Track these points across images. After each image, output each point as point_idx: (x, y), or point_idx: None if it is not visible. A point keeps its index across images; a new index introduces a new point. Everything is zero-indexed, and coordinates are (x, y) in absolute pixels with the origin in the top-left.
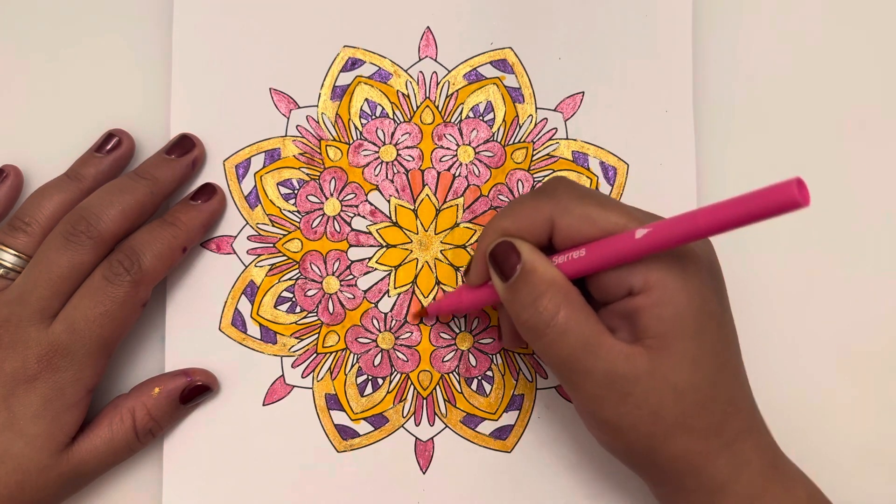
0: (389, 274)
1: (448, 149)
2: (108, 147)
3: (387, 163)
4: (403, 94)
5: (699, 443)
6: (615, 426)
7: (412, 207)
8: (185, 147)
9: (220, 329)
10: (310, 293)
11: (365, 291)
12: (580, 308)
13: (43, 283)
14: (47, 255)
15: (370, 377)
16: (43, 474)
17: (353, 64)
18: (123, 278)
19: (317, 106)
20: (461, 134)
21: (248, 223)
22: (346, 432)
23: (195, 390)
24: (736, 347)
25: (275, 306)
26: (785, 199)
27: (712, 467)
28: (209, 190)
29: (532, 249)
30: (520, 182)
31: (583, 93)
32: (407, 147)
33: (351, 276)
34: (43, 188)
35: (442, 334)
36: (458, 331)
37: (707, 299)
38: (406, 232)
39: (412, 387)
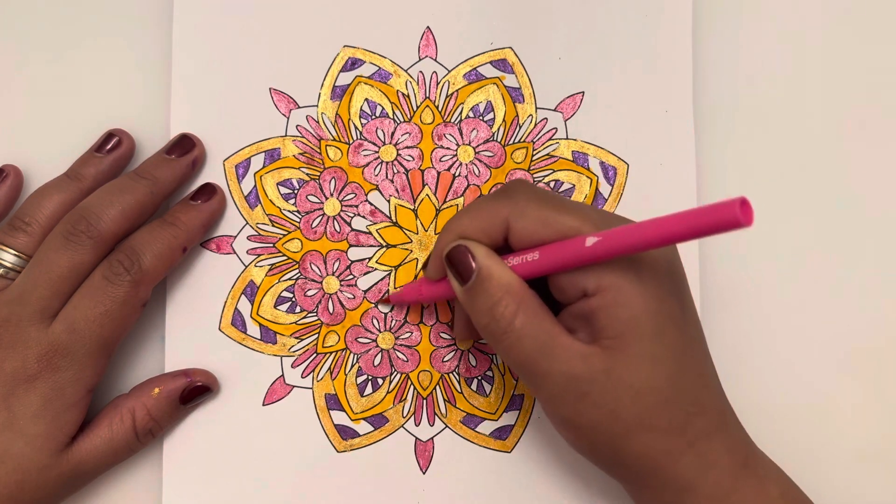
0: (389, 274)
1: (448, 149)
2: (108, 147)
3: (387, 163)
4: (403, 94)
5: (661, 442)
6: (576, 425)
7: (412, 207)
8: (185, 147)
9: (220, 329)
10: (310, 293)
11: (365, 291)
12: (536, 312)
13: (43, 283)
14: (47, 255)
15: (370, 377)
16: (43, 474)
17: (353, 64)
18: (123, 278)
19: (317, 106)
20: (461, 134)
21: (247, 223)
22: (346, 432)
23: (195, 391)
24: (701, 348)
25: (275, 306)
26: (728, 217)
27: (677, 466)
28: (209, 190)
29: (488, 254)
30: None
31: (583, 93)
32: (407, 147)
33: (351, 276)
34: (43, 188)
35: (442, 334)
36: None
37: (664, 301)
38: (406, 232)
39: (412, 387)
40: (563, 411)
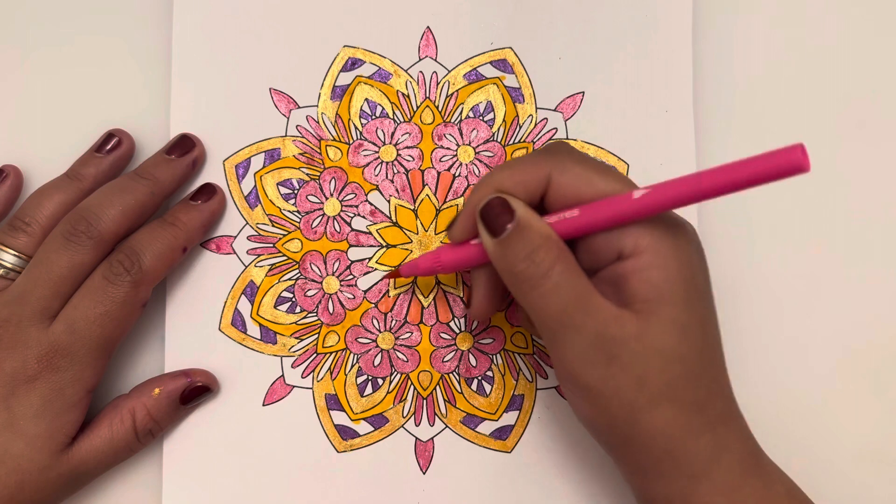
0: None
1: (448, 149)
2: (109, 147)
3: (387, 163)
4: (403, 94)
5: (682, 417)
6: (598, 392)
7: (412, 207)
8: (186, 147)
9: (220, 329)
10: (310, 293)
11: (365, 291)
12: (574, 265)
13: (43, 284)
14: (47, 256)
15: (370, 377)
16: (43, 474)
17: (353, 64)
18: (123, 278)
19: (317, 106)
20: (461, 134)
21: (248, 223)
22: (346, 432)
23: (195, 391)
24: (718, 329)
25: (275, 306)
26: (788, 163)
27: (694, 446)
28: (209, 190)
29: (526, 207)
30: None
31: (583, 93)
32: (407, 147)
33: (351, 276)
34: (43, 188)
35: (442, 334)
36: (458, 331)
37: (697, 271)
38: (406, 232)
39: (412, 387)
40: (588, 376)
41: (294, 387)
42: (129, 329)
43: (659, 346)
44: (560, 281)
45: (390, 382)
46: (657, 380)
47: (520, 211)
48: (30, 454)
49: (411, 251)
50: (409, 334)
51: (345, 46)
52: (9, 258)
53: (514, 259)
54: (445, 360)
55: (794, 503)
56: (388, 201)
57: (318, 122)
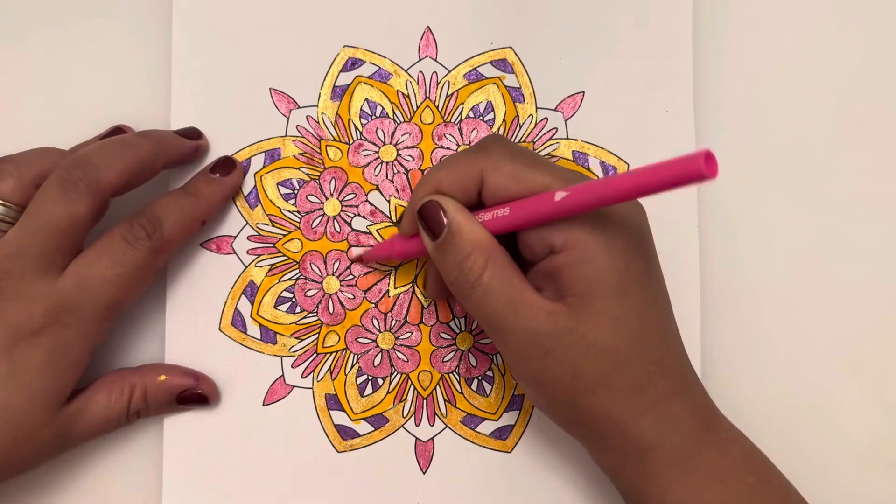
0: (389, 274)
1: (448, 149)
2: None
3: (387, 163)
4: (403, 94)
5: (621, 402)
6: (538, 381)
7: None
8: (192, 136)
9: (220, 329)
10: (310, 293)
11: (365, 291)
12: (504, 268)
13: (43, 237)
14: (45, 206)
15: (370, 377)
16: (38, 432)
17: (353, 64)
18: (144, 243)
19: (317, 106)
20: (461, 134)
21: (248, 223)
22: (346, 432)
23: (195, 396)
24: (664, 310)
25: (275, 306)
26: (692, 169)
27: (637, 427)
28: (229, 163)
29: (458, 209)
30: None
31: (583, 93)
32: (407, 147)
33: (351, 277)
34: (41, 148)
35: (442, 334)
36: (458, 331)
37: (630, 261)
38: None
39: (412, 387)
40: (526, 368)
41: (294, 387)
42: (139, 295)
43: (591, 339)
44: (489, 287)
45: (390, 382)
46: (591, 370)
47: (451, 215)
48: (29, 409)
49: None
50: (409, 334)
51: (345, 46)
52: None
53: (447, 267)
54: (445, 360)
55: (750, 465)
56: (389, 201)
57: (318, 122)
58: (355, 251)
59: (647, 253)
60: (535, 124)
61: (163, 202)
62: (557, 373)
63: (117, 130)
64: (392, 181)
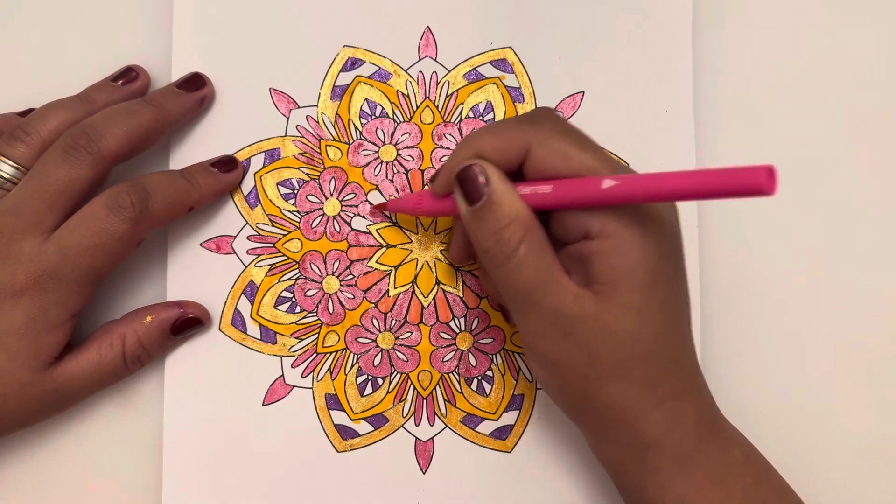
0: (389, 274)
1: (448, 149)
2: (125, 80)
3: (387, 163)
4: (403, 94)
5: (633, 394)
6: (552, 362)
7: None
8: (196, 84)
9: (220, 329)
10: (310, 293)
11: (365, 291)
12: (540, 244)
13: (38, 196)
14: (45, 168)
15: (370, 377)
16: (25, 390)
17: (352, 64)
18: (126, 212)
19: (317, 106)
20: (461, 134)
21: (247, 223)
22: (346, 432)
23: (187, 322)
24: (687, 312)
25: (275, 306)
26: (752, 182)
27: (644, 421)
28: (230, 162)
29: (501, 179)
30: None
31: (583, 93)
32: (407, 147)
33: (351, 276)
34: (51, 103)
35: (442, 334)
36: (458, 331)
37: (661, 258)
38: (406, 232)
39: (412, 387)
40: (543, 346)
41: (294, 387)
42: (120, 263)
43: (613, 328)
44: (523, 261)
45: (390, 382)
46: (608, 358)
47: (494, 184)
48: (11, 368)
49: (411, 251)
50: (409, 334)
51: (345, 46)
52: (6, 168)
53: (482, 234)
54: (445, 359)
55: (750, 466)
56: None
57: (317, 122)
58: (377, 200)
59: (678, 255)
60: None
61: (156, 178)
62: (574, 356)
63: (129, 70)
64: (392, 181)
